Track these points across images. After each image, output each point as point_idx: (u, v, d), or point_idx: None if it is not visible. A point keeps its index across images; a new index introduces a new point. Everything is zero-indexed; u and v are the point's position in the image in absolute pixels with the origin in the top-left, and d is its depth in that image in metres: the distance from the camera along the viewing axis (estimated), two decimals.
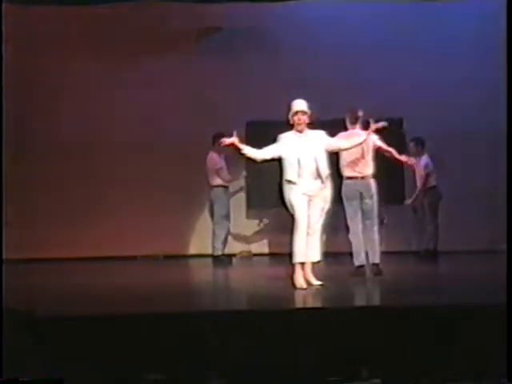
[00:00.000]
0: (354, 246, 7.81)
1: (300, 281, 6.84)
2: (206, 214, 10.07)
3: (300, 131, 6.89)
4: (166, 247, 10.56)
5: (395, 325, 5.31)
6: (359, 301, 6.79)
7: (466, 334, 5.20)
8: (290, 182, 6.81)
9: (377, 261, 7.78)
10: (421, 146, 9.65)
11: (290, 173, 6.82)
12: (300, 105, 6.88)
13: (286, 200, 6.89)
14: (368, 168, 7.78)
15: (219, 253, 9.55)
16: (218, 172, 9.50)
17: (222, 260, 9.50)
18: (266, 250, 10.81)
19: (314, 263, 7.03)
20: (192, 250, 10.64)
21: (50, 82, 10.50)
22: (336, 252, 8.72)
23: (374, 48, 10.28)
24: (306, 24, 10.30)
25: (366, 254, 7.80)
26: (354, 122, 7.84)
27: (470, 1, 9.99)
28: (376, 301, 6.85)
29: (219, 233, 9.56)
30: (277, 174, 7.10)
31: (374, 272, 7.74)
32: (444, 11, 10.09)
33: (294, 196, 6.81)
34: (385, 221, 9.89)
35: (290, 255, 6.96)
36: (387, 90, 10.07)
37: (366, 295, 7.04)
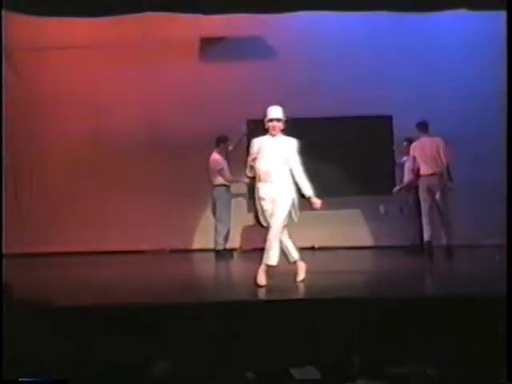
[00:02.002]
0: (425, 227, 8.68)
1: (262, 279, 6.50)
2: (209, 211, 10.09)
3: (273, 136, 6.67)
4: (172, 242, 10.68)
5: (385, 319, 5.21)
6: (350, 293, 6.53)
7: (465, 334, 5.07)
8: (257, 183, 6.65)
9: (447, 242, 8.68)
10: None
11: (266, 175, 6.60)
12: (275, 113, 6.65)
13: (255, 201, 6.71)
14: (438, 166, 8.59)
15: (221, 247, 9.54)
16: (220, 172, 9.50)
17: (224, 254, 9.48)
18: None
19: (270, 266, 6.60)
20: (196, 245, 10.67)
21: (55, 86, 10.56)
22: None
23: (369, 53, 10.41)
24: (305, 32, 10.32)
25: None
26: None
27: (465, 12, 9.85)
28: (366, 293, 6.73)
29: (221, 229, 9.56)
30: None
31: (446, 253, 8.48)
32: (439, 20, 10.05)
33: (260, 198, 6.62)
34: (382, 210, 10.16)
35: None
36: (380, 91, 10.21)
37: (352, 287, 6.91)
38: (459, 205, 10.14)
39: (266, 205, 6.60)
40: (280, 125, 6.66)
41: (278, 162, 6.61)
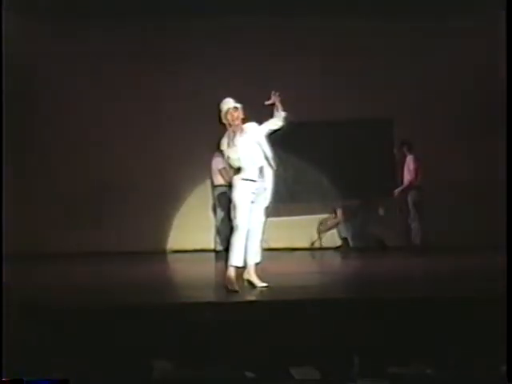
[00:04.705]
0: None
1: (233, 283, 6.27)
2: (210, 211, 10.15)
3: (238, 129, 6.26)
4: (172, 242, 10.81)
5: (385, 319, 5.18)
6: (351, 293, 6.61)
7: (465, 334, 5.05)
8: (248, 180, 6.25)
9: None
10: (409, 147, 9.80)
11: (249, 172, 6.26)
12: (228, 103, 6.29)
13: (234, 199, 6.32)
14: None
15: (221, 248, 9.58)
16: (221, 172, 9.55)
17: (224, 255, 9.64)
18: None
19: (256, 264, 6.49)
20: (196, 245, 10.65)
21: (55, 86, 10.59)
22: None
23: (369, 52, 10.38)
24: (305, 34, 10.31)
25: None
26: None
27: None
28: (366, 293, 6.49)
29: (222, 229, 9.61)
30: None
31: None
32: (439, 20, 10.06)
33: (244, 196, 6.26)
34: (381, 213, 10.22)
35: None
36: (380, 92, 10.22)
37: (351, 287, 7.00)
38: (459, 205, 10.24)
39: (248, 202, 6.31)
40: (238, 113, 6.28)
41: (266, 153, 6.34)
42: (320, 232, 10.66)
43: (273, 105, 6.41)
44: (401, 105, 10.10)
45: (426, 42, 10.36)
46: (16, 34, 9.14)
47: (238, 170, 6.36)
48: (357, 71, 10.32)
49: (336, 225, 10.63)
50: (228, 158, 6.34)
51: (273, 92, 6.39)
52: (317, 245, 10.72)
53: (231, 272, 6.37)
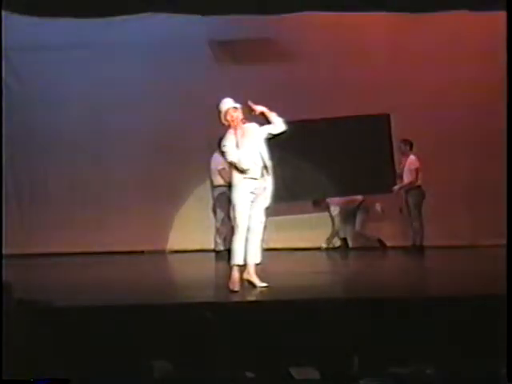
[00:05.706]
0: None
1: (234, 283, 6.39)
2: (209, 211, 10.14)
3: (237, 129, 6.36)
4: (172, 242, 10.76)
5: (385, 318, 5.24)
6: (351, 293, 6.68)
7: (465, 334, 5.08)
8: (249, 178, 6.37)
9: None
10: (409, 146, 9.87)
11: (251, 171, 6.36)
12: (227, 103, 6.36)
13: (233, 199, 6.44)
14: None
15: (221, 248, 9.67)
16: (220, 172, 9.55)
17: (224, 255, 9.32)
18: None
19: (256, 265, 6.55)
20: (196, 245, 10.60)
21: (55, 86, 10.48)
22: None
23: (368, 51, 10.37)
24: (307, 31, 10.22)
25: None
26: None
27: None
28: (365, 293, 6.59)
29: (221, 230, 9.67)
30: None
31: None
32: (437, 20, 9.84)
33: (244, 196, 6.37)
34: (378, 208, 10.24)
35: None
36: (377, 89, 10.20)
37: (351, 287, 7.06)
38: (459, 205, 10.24)
39: (247, 201, 6.44)
40: (238, 114, 6.38)
41: (262, 153, 6.44)
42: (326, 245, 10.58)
43: (259, 114, 6.45)
44: (401, 103, 10.04)
45: (424, 37, 10.34)
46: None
47: (241, 171, 6.40)
48: (356, 68, 10.28)
49: (336, 232, 10.56)
50: (239, 160, 6.35)
51: (248, 101, 6.40)
52: (326, 245, 10.64)
53: (235, 272, 6.46)
